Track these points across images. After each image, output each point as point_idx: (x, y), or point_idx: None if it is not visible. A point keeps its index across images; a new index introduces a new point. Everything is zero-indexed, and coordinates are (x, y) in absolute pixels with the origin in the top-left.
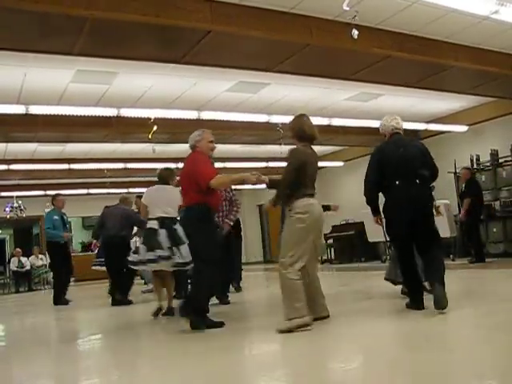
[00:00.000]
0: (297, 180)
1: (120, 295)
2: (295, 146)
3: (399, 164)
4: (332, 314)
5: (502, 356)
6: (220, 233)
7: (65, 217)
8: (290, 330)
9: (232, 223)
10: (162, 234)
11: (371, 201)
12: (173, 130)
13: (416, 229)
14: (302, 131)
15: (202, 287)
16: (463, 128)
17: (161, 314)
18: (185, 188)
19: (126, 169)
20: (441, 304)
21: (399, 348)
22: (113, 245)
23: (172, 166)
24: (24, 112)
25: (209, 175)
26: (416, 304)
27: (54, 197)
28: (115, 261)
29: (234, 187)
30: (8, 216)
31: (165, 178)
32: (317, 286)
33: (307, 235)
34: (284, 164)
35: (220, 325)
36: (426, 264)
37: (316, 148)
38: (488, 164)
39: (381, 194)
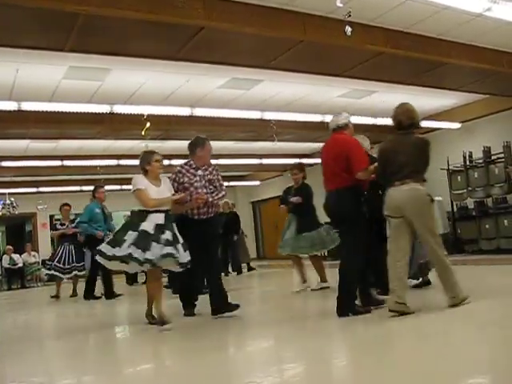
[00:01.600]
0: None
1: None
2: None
3: None
4: (329, 312)
5: (500, 352)
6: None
7: (106, 210)
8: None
9: (211, 199)
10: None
11: None
12: (166, 126)
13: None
14: None
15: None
16: (456, 125)
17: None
18: (334, 170)
19: (119, 165)
20: None
21: (397, 346)
22: None
23: (164, 162)
24: (16, 108)
25: (362, 165)
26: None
27: (96, 189)
28: None
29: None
30: (0, 213)
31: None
32: None
33: None
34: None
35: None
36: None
37: (309, 145)
38: (480, 161)
39: None
